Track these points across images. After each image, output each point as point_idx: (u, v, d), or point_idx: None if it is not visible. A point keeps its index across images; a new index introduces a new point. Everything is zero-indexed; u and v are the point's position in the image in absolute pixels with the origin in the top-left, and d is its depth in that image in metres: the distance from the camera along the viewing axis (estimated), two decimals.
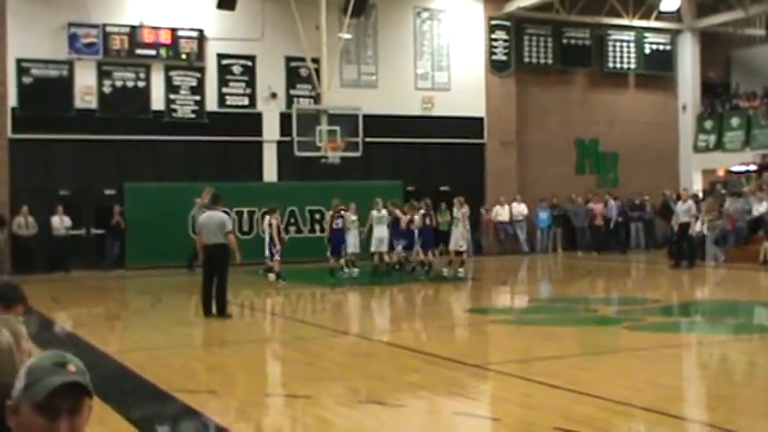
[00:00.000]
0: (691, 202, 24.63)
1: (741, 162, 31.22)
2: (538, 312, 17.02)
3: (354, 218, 22.60)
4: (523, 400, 8.83)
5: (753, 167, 30.33)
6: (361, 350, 12.73)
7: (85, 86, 26.04)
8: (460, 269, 22.11)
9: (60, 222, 25.28)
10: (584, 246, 30.63)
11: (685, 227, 24.14)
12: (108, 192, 26.25)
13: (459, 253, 22.21)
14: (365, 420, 8.20)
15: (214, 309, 15.29)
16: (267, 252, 21.96)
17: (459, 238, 22.09)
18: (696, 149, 33.81)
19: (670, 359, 11.48)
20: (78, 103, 25.99)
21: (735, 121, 32.66)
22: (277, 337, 13.82)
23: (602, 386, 9.13)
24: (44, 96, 25.39)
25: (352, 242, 22.61)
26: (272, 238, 21.62)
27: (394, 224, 22.65)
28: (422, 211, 22.53)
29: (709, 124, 33.65)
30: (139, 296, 21.25)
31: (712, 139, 33.36)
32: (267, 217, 22.13)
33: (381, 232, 22.45)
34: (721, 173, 32.20)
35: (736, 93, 34.33)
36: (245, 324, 15.97)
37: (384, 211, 22.76)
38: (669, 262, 24.95)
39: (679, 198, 25.52)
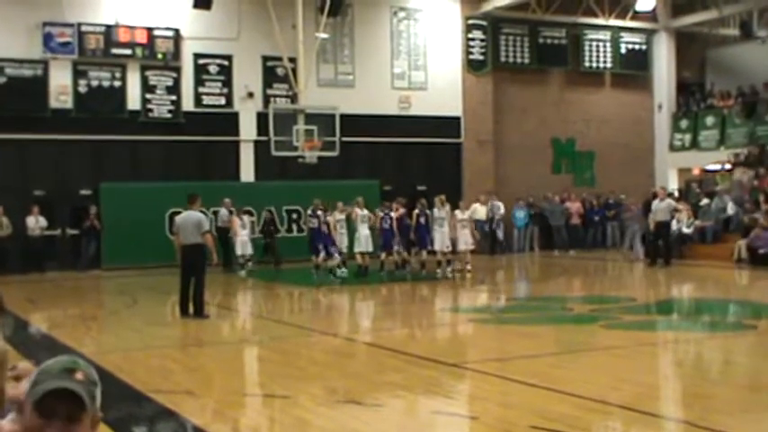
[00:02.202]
0: (669, 201, 24.54)
1: (716, 161, 31.44)
2: (515, 311, 17.09)
3: (342, 216, 22.28)
4: (501, 399, 8.90)
5: (727, 166, 30.53)
6: (338, 350, 12.72)
7: (60, 86, 25.82)
8: (449, 269, 21.92)
9: (35, 223, 25.08)
10: (560, 244, 30.79)
11: (662, 225, 24.00)
12: (84, 192, 26.08)
13: (444, 253, 21.98)
14: (343, 420, 8.18)
15: (191, 309, 15.24)
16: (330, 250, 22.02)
17: (445, 238, 21.85)
18: (672, 148, 34.02)
19: (646, 357, 11.55)
20: (53, 102, 25.75)
21: (710, 120, 32.88)
22: (254, 337, 13.78)
23: (578, 384, 9.16)
24: (19, 96, 25.13)
25: (341, 241, 22.37)
26: (329, 235, 21.57)
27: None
28: (401, 210, 22.52)
29: (684, 123, 33.86)
30: (116, 297, 21.06)
31: (687, 138, 33.58)
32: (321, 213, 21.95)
33: (364, 231, 22.35)
34: (696, 171, 32.40)
35: (710, 92, 34.56)
36: (222, 324, 15.90)
37: (366, 211, 22.62)
38: (644, 260, 25.05)
39: (656, 196, 25.57)
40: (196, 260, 15.14)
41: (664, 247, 24.15)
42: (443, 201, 22.27)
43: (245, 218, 24.24)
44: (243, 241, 23.95)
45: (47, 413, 2.35)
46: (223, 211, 24.86)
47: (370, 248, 22.42)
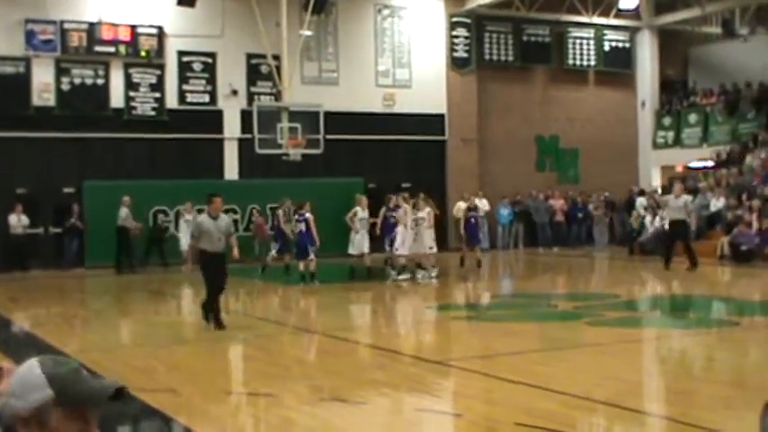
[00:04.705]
0: (685, 197, 22.63)
1: (699, 158, 31.60)
2: (499, 308, 17.11)
3: (365, 215, 21.27)
4: (485, 396, 8.93)
5: (710, 163, 30.68)
6: (323, 348, 12.72)
7: (43, 84, 25.67)
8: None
9: (18, 221, 24.88)
10: (544, 241, 30.88)
11: (678, 224, 21.99)
12: (67, 190, 25.93)
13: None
14: (328, 418, 8.17)
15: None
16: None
17: (428, 238, 20.76)
18: (655, 146, 34.14)
19: (630, 354, 11.59)
20: (36, 100, 25.59)
21: (692, 117, 33.05)
22: (239, 335, 13.73)
23: (562, 381, 9.17)
24: (1, 94, 24.93)
25: (359, 240, 21.26)
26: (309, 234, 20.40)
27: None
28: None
29: (667, 121, 34.00)
30: (99, 295, 21.10)
31: (671, 135, 33.72)
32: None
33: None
34: (680, 169, 32.53)
35: (693, 90, 34.73)
36: (205, 322, 15.83)
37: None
38: (633, 257, 25.07)
39: (642, 193, 25.41)
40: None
41: (685, 248, 22.06)
42: (426, 200, 21.25)
43: (189, 215, 24.71)
44: (187, 239, 24.33)
45: (87, 417, 2.34)
46: (123, 210, 24.58)
47: (366, 249, 21.43)
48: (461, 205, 29.41)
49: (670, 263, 21.94)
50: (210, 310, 13.85)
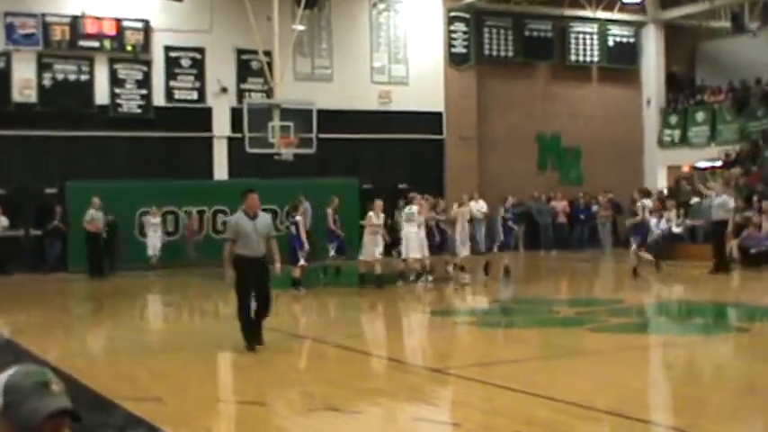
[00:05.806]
0: (725, 197, 21.83)
1: (707, 157, 30.92)
2: (500, 314, 16.96)
3: (379, 221, 19.96)
4: (484, 405, 8.73)
5: (718, 163, 29.97)
6: (317, 354, 12.52)
7: (24, 79, 25.48)
8: (420, 278, 20.32)
9: None
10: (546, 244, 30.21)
11: (718, 225, 21.43)
12: (49, 190, 25.62)
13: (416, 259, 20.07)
14: (320, 428, 8.00)
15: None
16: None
17: (423, 242, 20.01)
18: (661, 145, 33.80)
19: (633, 361, 11.37)
20: (17, 96, 25.42)
21: (700, 115, 32.77)
22: (229, 341, 12.90)
23: (563, 389, 8.97)
24: None
25: (368, 246, 19.85)
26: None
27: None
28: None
29: (673, 119, 33.71)
30: (81, 301, 20.89)
31: (677, 134, 33.41)
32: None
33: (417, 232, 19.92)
34: (686, 169, 31.81)
35: (701, 87, 34.29)
36: (194, 328, 15.49)
37: (415, 208, 20.13)
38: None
39: (648, 194, 24.46)
40: None
41: (718, 252, 21.58)
42: (422, 202, 20.58)
43: (155, 219, 24.89)
44: (153, 243, 24.79)
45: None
46: (89, 212, 23.73)
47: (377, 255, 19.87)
48: (457, 208, 28.53)
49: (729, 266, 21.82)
50: (251, 331, 11.95)
